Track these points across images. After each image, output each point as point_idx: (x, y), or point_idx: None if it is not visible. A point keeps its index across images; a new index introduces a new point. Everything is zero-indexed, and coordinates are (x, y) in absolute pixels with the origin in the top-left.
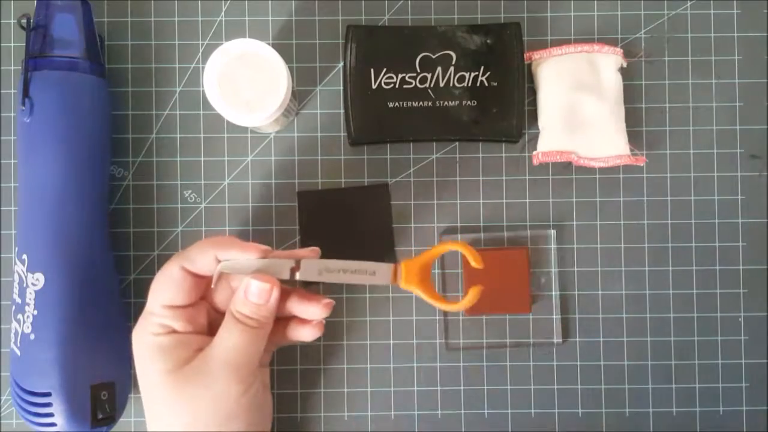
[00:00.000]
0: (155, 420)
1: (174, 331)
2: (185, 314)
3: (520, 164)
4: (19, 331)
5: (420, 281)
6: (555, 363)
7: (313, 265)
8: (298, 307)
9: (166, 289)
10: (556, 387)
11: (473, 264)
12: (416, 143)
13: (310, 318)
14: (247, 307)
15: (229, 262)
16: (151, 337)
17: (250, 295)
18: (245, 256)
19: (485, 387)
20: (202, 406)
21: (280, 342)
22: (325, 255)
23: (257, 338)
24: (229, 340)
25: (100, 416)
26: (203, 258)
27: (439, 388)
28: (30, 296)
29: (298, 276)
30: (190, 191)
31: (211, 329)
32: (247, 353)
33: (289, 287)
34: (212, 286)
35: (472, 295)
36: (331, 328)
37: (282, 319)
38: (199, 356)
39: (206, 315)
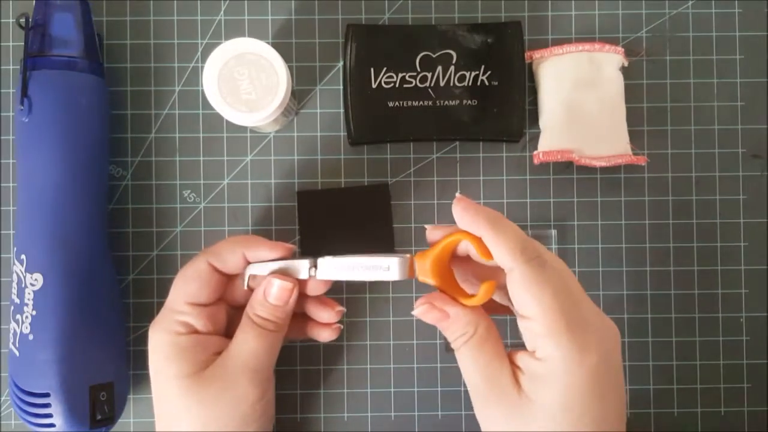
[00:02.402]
0: (167, 420)
1: (195, 332)
2: (207, 313)
3: (521, 164)
4: (18, 332)
5: (435, 273)
6: None
7: (330, 264)
8: (313, 308)
9: (192, 285)
10: None
11: (482, 259)
12: (416, 143)
13: (322, 321)
14: (265, 309)
15: (256, 264)
16: (171, 336)
17: (269, 296)
18: (273, 254)
19: None
20: (218, 411)
21: (295, 336)
22: (325, 255)
23: (274, 342)
24: (246, 344)
25: (99, 417)
26: (232, 256)
27: (439, 388)
28: (29, 296)
29: (317, 276)
30: (189, 191)
31: (229, 328)
32: (264, 357)
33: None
34: (245, 287)
35: (485, 291)
36: None
37: (297, 315)
38: (217, 361)
39: (225, 314)
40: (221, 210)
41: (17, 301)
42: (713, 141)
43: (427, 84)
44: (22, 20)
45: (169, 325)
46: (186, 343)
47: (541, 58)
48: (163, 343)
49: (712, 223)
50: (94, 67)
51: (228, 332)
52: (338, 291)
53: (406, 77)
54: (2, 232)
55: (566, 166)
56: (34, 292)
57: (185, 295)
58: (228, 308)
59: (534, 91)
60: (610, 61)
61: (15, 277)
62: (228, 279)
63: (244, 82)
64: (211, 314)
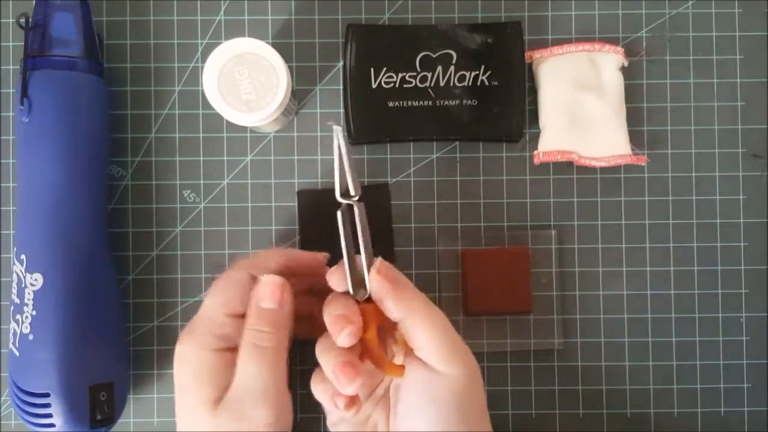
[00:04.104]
0: None
1: (228, 349)
2: (242, 324)
3: (521, 164)
4: (18, 332)
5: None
6: (556, 364)
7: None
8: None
9: (230, 294)
10: (557, 388)
11: (389, 374)
12: (416, 143)
13: None
14: (260, 319)
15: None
16: (204, 352)
17: (261, 300)
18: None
19: (486, 387)
20: None
21: (303, 335)
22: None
23: (276, 360)
24: (249, 369)
25: (99, 417)
26: (270, 263)
27: None
28: (28, 296)
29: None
30: (189, 191)
31: None
32: (270, 379)
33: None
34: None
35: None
36: None
37: (304, 316)
38: (230, 389)
39: None
40: (221, 210)
41: (17, 301)
42: (713, 141)
43: (427, 84)
44: (22, 20)
45: (205, 339)
46: (217, 361)
47: (541, 58)
48: (195, 359)
49: (712, 223)
50: (94, 67)
51: None
52: None
53: (406, 77)
54: (2, 232)
55: (566, 166)
56: (34, 292)
57: (224, 305)
58: None
59: (534, 91)
60: (610, 61)
61: (15, 277)
62: None
63: (244, 82)
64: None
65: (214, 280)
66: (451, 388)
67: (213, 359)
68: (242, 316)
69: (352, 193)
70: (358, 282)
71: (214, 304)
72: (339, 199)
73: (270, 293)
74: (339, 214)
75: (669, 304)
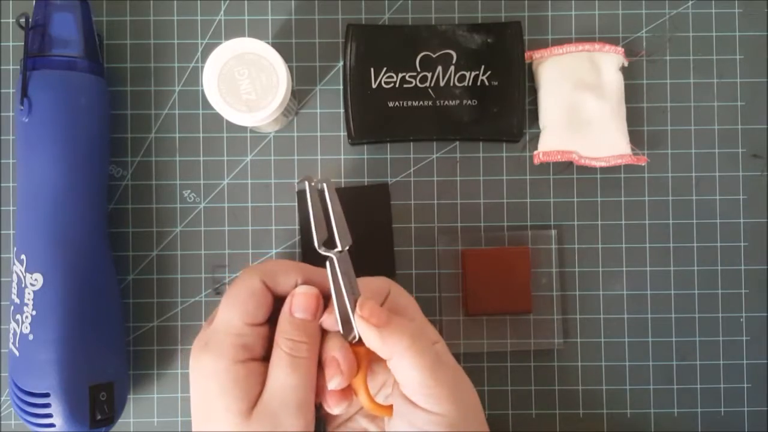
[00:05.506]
0: None
1: (252, 358)
2: (264, 333)
3: (521, 164)
4: (18, 332)
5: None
6: (556, 364)
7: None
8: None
9: (249, 304)
10: (557, 388)
11: (377, 413)
12: (416, 143)
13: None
14: (294, 329)
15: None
16: (228, 362)
17: (296, 310)
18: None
19: (485, 387)
20: None
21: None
22: (323, 255)
23: (309, 370)
24: (281, 379)
25: (99, 417)
26: (287, 280)
27: None
28: (28, 296)
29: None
30: (189, 191)
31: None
32: (302, 390)
33: None
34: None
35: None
36: None
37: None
38: (261, 399)
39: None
40: (221, 210)
41: (17, 301)
42: (713, 141)
43: (427, 84)
44: (22, 20)
45: (228, 350)
46: (243, 373)
47: (541, 58)
48: (219, 371)
49: (712, 223)
50: (94, 67)
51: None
52: None
53: (406, 77)
54: (2, 232)
55: (566, 166)
56: (34, 292)
57: (244, 314)
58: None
59: (534, 91)
60: (610, 61)
61: (15, 277)
62: (275, 301)
63: (244, 82)
64: (267, 335)
65: (226, 286)
66: (438, 424)
67: (239, 370)
68: (261, 324)
69: (338, 246)
70: (350, 325)
71: (233, 315)
72: (319, 251)
73: (306, 304)
74: (328, 265)
75: (669, 304)
